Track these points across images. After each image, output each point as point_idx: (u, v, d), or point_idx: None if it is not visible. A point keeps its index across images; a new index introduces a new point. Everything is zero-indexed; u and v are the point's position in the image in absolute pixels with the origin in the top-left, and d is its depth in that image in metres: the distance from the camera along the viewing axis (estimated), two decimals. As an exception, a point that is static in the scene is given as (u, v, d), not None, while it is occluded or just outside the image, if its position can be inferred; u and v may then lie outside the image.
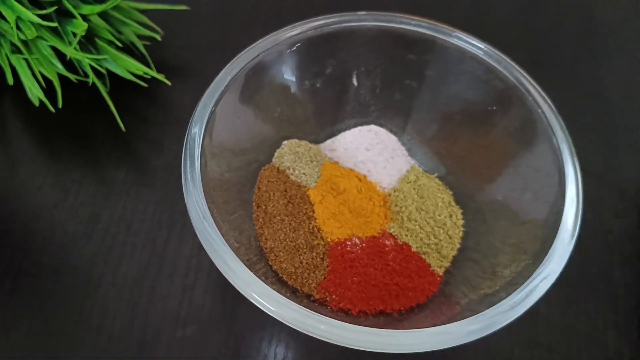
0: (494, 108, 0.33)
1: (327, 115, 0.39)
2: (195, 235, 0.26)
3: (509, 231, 0.31)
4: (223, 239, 0.26)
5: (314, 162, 0.37)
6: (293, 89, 0.36)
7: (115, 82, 0.42)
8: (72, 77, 0.40)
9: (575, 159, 0.28)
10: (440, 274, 0.33)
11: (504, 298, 0.25)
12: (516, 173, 0.33)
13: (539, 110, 0.30)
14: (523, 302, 0.25)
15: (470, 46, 0.33)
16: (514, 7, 0.53)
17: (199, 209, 0.27)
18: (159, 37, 0.43)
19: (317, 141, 0.39)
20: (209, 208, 0.27)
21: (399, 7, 0.37)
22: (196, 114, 0.30)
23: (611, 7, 0.54)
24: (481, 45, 0.33)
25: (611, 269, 0.36)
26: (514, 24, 0.52)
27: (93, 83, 0.40)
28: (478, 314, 0.25)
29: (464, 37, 0.34)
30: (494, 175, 0.34)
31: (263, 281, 0.25)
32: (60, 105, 0.38)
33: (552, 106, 0.30)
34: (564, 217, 0.27)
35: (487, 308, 0.25)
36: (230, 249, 0.26)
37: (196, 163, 0.28)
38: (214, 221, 0.27)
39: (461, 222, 0.35)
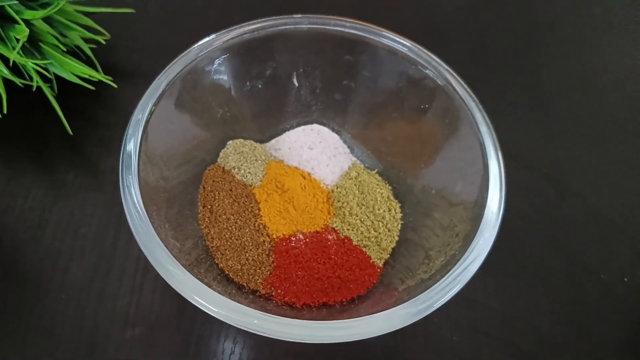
0: (426, 106, 0.34)
1: (270, 115, 0.40)
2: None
3: (444, 218, 0.33)
4: (162, 245, 0.26)
5: (259, 162, 0.38)
6: (234, 90, 0.37)
7: (64, 86, 0.41)
8: (17, 81, 0.39)
9: (499, 152, 0.30)
10: (380, 265, 0.34)
11: (439, 280, 0.26)
12: (448, 166, 0.34)
13: (466, 108, 0.31)
14: (456, 282, 0.26)
15: (399, 45, 0.34)
16: (456, 3, 0.54)
17: (136, 218, 0.27)
18: (103, 41, 0.42)
19: (262, 141, 0.40)
20: (149, 215, 0.27)
21: (349, 11, 0.38)
22: (130, 127, 0.30)
23: (551, 3, 0.55)
24: (407, 43, 0.34)
25: (546, 257, 0.38)
26: (456, 20, 0.53)
27: (41, 88, 0.39)
28: (413, 298, 0.25)
29: (392, 37, 0.35)
30: (429, 168, 0.35)
31: (206, 281, 0.26)
32: (5, 110, 0.38)
33: (479, 104, 0.31)
34: (488, 203, 0.28)
35: (423, 292, 0.26)
36: (169, 254, 0.26)
37: (133, 177, 0.28)
38: (154, 227, 0.27)
39: (399, 215, 0.36)
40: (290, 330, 0.24)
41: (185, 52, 0.33)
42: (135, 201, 0.28)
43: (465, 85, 0.32)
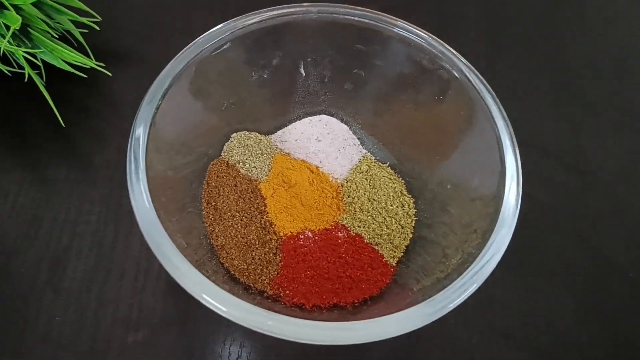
0: (440, 97, 0.36)
1: (276, 106, 0.41)
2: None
3: (461, 214, 0.34)
4: (170, 240, 0.28)
5: (265, 155, 0.39)
6: (240, 81, 0.38)
7: (52, 73, 0.42)
8: (4, 69, 0.40)
9: (516, 146, 0.31)
10: (394, 264, 0.35)
11: (456, 279, 0.27)
12: (464, 159, 0.35)
13: (482, 101, 0.33)
14: (473, 281, 0.27)
15: (413, 35, 0.36)
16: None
17: (145, 210, 0.28)
18: (96, 27, 0.44)
19: (267, 133, 0.41)
20: (155, 208, 0.28)
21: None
22: (140, 113, 0.31)
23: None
24: (421, 32, 0.36)
25: (570, 253, 0.39)
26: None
27: (29, 75, 0.40)
28: (429, 298, 0.27)
29: (406, 26, 0.36)
30: (443, 162, 0.37)
31: (212, 280, 0.27)
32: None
33: (495, 97, 0.33)
34: (505, 199, 0.30)
35: (440, 292, 0.27)
36: (177, 250, 0.27)
37: (140, 164, 0.29)
38: (161, 222, 0.28)
39: (413, 211, 0.37)
40: (306, 332, 0.25)
41: (193, 42, 0.34)
42: (143, 190, 0.28)
43: (481, 77, 0.33)
